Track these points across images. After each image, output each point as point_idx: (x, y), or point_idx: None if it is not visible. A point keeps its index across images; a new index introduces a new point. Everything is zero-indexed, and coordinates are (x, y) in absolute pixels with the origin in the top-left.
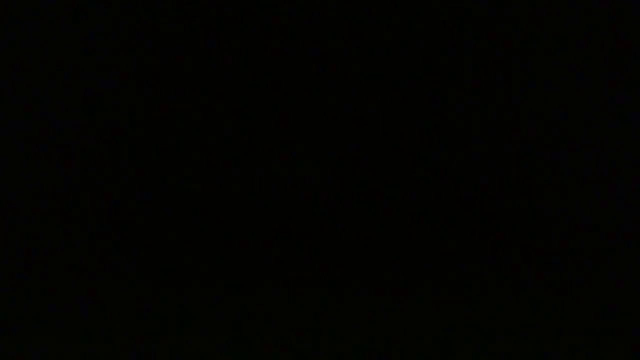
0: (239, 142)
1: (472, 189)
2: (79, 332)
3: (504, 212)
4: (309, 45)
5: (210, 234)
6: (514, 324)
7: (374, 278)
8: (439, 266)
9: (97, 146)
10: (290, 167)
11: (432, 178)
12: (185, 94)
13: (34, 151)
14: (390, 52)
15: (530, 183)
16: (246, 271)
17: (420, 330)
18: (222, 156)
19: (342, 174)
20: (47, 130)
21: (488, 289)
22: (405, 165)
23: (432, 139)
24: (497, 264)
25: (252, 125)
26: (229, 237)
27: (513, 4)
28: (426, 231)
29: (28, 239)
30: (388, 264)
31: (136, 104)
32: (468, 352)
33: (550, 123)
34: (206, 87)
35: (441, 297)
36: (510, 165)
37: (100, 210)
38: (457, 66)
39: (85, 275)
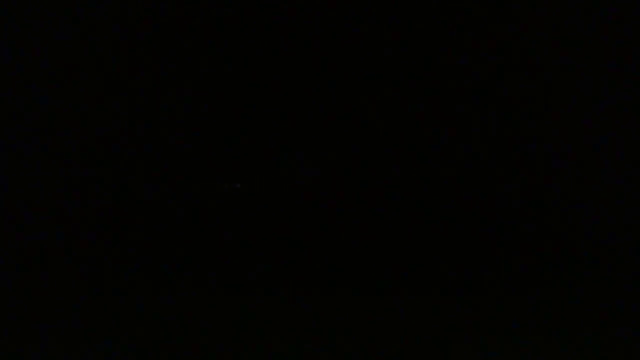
0: (239, 144)
1: (471, 190)
2: (78, 332)
3: (502, 214)
4: (308, 46)
5: (210, 234)
6: (513, 324)
7: (373, 279)
8: (438, 267)
9: (96, 146)
10: (290, 169)
11: (431, 180)
12: (182, 95)
13: (35, 152)
14: (390, 53)
15: (529, 184)
16: (246, 272)
17: (420, 331)
18: (221, 158)
19: (342, 175)
20: (47, 131)
21: (487, 290)
22: (405, 167)
23: (430, 140)
24: (495, 265)
25: (250, 127)
26: (229, 238)
27: (513, 4)
28: (425, 232)
29: (28, 239)
30: (388, 265)
31: (133, 107)
32: (467, 353)
33: (549, 124)
34: (205, 87)
35: (440, 298)
36: (509, 167)
37: (100, 211)
38: (458, 67)
39: (85, 276)
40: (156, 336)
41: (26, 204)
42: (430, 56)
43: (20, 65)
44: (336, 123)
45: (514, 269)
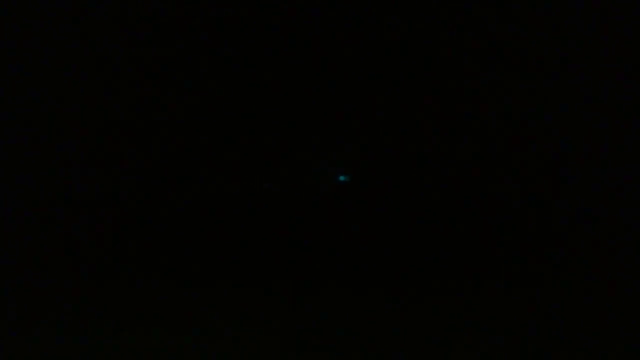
0: (239, 144)
1: (470, 191)
2: (79, 331)
3: (502, 214)
4: (309, 47)
5: (210, 234)
6: (511, 324)
7: (373, 279)
8: (438, 267)
9: (99, 145)
10: (289, 168)
11: (431, 180)
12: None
13: (36, 152)
14: (392, 54)
15: (529, 185)
16: (246, 271)
17: (419, 331)
18: (222, 158)
19: (341, 175)
20: (50, 131)
21: (485, 290)
22: (405, 168)
23: (429, 142)
24: (495, 265)
25: (250, 130)
26: (229, 238)
27: (513, 4)
28: (424, 232)
29: (29, 238)
30: (388, 264)
31: (135, 104)
32: (466, 352)
33: (549, 124)
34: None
35: (440, 297)
36: (508, 168)
37: (101, 211)
38: (460, 68)
39: (86, 274)
40: (154, 335)
41: (27, 204)
42: (433, 58)
43: (26, 65)
44: (331, 128)
45: (514, 269)
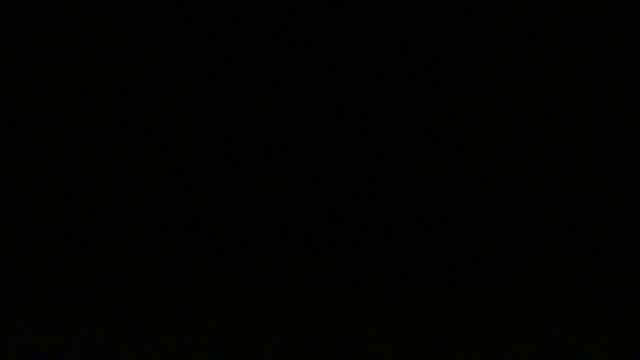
0: (240, 142)
1: (469, 191)
2: (79, 329)
3: (501, 214)
4: (309, 45)
5: (210, 234)
6: (512, 324)
7: (372, 278)
8: (437, 266)
9: (102, 142)
10: (289, 167)
11: (430, 180)
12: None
13: (36, 151)
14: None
15: (529, 185)
16: (246, 271)
17: (419, 331)
18: (220, 157)
19: (341, 175)
20: (50, 130)
21: (486, 290)
22: (403, 167)
23: (425, 141)
24: (495, 265)
25: (251, 128)
26: (229, 237)
27: (513, 4)
28: (423, 231)
29: (29, 235)
30: (388, 263)
31: (134, 104)
32: (466, 353)
33: (547, 123)
34: (206, 84)
35: (439, 297)
36: (508, 168)
37: (101, 210)
38: (457, 68)
39: (86, 274)
40: (155, 336)
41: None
42: (430, 58)
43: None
44: (331, 125)
45: (512, 269)
